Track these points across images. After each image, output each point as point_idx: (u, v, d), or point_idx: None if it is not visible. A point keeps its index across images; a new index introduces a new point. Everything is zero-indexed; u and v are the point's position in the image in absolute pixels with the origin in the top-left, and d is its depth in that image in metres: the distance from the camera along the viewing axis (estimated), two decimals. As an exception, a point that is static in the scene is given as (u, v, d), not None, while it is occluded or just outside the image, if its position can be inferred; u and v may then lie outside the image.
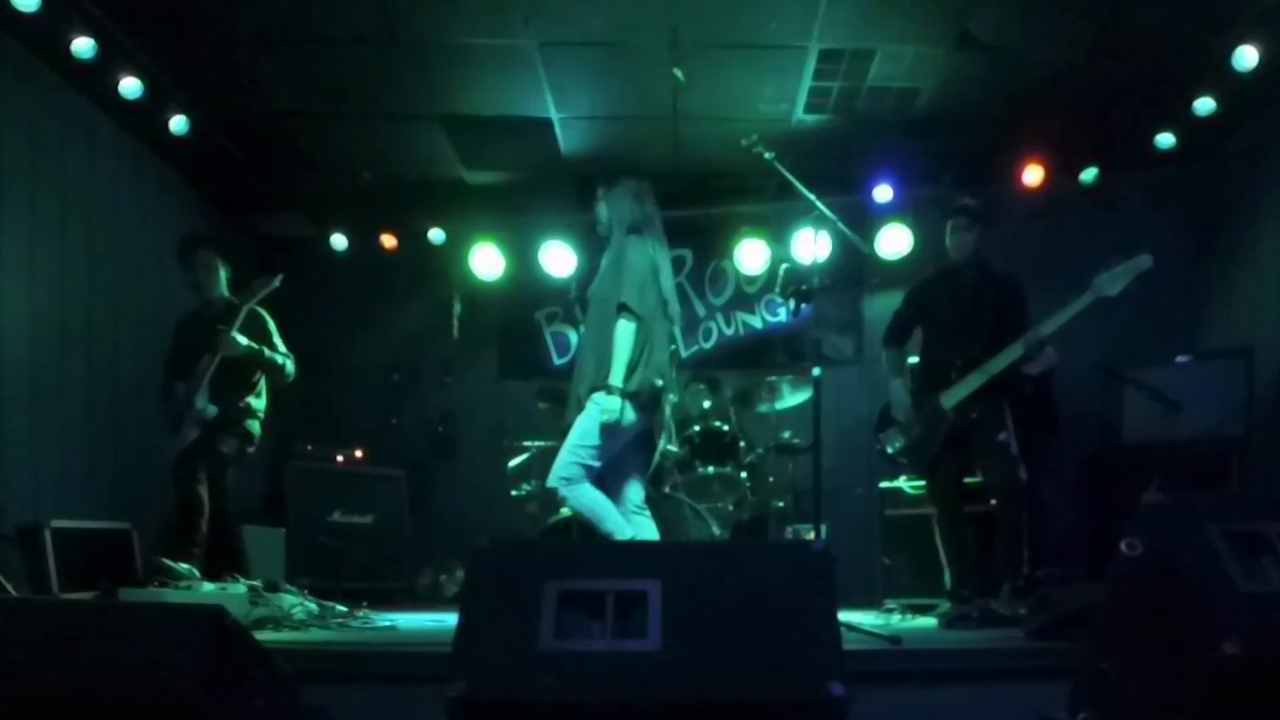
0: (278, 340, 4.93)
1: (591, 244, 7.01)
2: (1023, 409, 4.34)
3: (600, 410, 3.76)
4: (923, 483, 5.38)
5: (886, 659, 2.99)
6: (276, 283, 4.74)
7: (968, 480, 4.58)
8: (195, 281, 4.96)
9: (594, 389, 3.84)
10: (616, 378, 3.76)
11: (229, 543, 4.84)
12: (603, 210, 4.12)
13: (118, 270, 5.63)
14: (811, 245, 3.94)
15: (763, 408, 5.94)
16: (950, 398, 4.27)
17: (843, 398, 6.39)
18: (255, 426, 4.91)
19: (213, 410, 4.67)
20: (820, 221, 3.85)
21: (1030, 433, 4.43)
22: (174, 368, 4.90)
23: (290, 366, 4.93)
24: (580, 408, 3.89)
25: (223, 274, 4.97)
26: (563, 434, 5.90)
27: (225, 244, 5.19)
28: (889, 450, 4.56)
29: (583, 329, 4.14)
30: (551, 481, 3.87)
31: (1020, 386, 4.35)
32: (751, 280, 7.14)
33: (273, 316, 4.97)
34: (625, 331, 3.79)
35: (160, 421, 4.91)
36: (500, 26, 5.06)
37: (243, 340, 4.69)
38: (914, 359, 4.81)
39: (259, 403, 4.94)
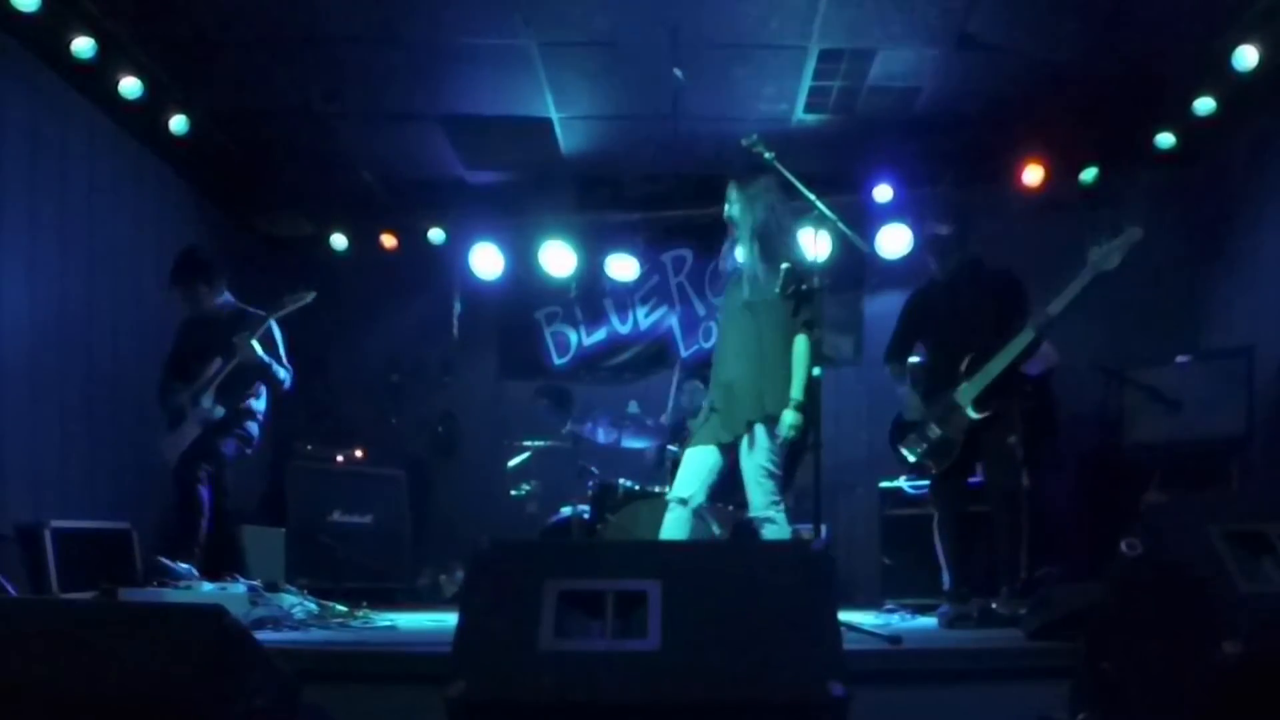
0: (282, 352, 4.94)
1: (591, 243, 7.06)
2: (1024, 409, 4.33)
3: (788, 428, 3.77)
4: (924, 483, 5.37)
5: (886, 659, 2.99)
6: (309, 299, 4.78)
7: (970, 480, 4.55)
8: (190, 302, 4.94)
9: (770, 406, 3.81)
10: (800, 393, 3.79)
11: (227, 543, 4.85)
12: (735, 209, 4.01)
13: (118, 270, 5.63)
14: (811, 245, 3.93)
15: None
16: (966, 393, 4.21)
17: (843, 398, 6.39)
18: (254, 428, 4.93)
19: (220, 411, 4.71)
20: (820, 221, 3.85)
21: (1030, 433, 4.41)
22: (175, 369, 4.90)
23: (289, 382, 4.94)
24: (743, 424, 3.85)
25: (216, 293, 4.93)
26: (563, 436, 5.95)
27: (219, 262, 5.08)
28: (911, 459, 4.48)
29: (724, 333, 4.08)
30: (765, 511, 3.82)
31: (1021, 386, 4.34)
32: (752, 280, 7.14)
33: (278, 319, 4.97)
34: (806, 347, 3.82)
35: (159, 420, 4.91)
36: (500, 26, 5.06)
37: (260, 350, 4.72)
38: (914, 358, 4.79)
39: (258, 404, 4.96)
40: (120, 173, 5.71)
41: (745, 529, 5.64)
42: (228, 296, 5.00)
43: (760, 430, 3.84)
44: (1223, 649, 1.85)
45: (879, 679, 2.68)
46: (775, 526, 3.81)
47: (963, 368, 4.24)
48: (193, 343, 4.89)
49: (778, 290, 3.81)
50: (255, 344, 4.70)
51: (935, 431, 4.34)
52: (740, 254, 4.01)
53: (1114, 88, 5.59)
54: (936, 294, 4.51)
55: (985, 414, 4.19)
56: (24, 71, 4.88)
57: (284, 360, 4.92)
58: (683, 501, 3.88)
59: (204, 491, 4.63)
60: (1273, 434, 5.07)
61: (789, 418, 3.77)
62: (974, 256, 4.44)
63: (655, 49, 5.17)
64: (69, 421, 5.19)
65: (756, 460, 3.84)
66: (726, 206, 4.04)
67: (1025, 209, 6.37)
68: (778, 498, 3.86)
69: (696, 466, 3.92)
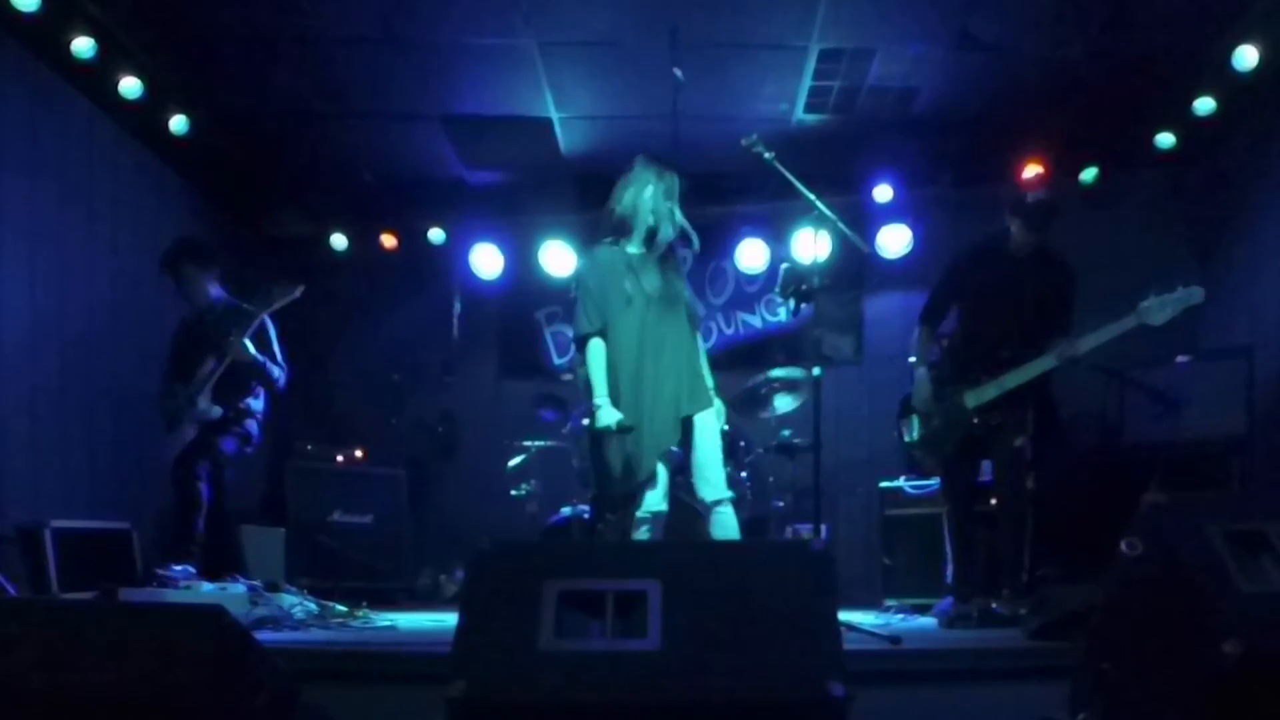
0: (276, 349, 4.93)
1: (591, 243, 7.03)
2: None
3: (720, 415, 3.84)
4: (923, 482, 5.38)
5: (886, 659, 2.99)
6: (297, 293, 4.75)
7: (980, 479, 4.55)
8: (183, 293, 4.95)
9: (711, 393, 3.85)
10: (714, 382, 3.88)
11: (226, 543, 4.85)
12: (674, 201, 3.83)
13: (118, 270, 5.63)
14: (811, 245, 3.94)
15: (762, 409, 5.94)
16: (975, 398, 4.20)
17: (843, 398, 6.39)
18: (253, 427, 4.93)
19: (217, 412, 4.71)
20: (820, 221, 3.85)
21: (1030, 433, 4.41)
22: (173, 370, 4.90)
23: (284, 380, 4.94)
24: (680, 422, 3.75)
25: (207, 282, 4.94)
26: (563, 436, 5.94)
27: (212, 249, 5.10)
28: (906, 439, 4.52)
29: (644, 329, 3.73)
30: (730, 491, 3.79)
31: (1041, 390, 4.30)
32: (751, 280, 7.15)
33: (272, 316, 4.97)
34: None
35: (159, 420, 4.91)
36: (500, 26, 5.06)
37: (252, 348, 4.71)
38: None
39: (257, 404, 4.96)
40: (120, 173, 5.70)
41: (745, 529, 5.64)
42: (221, 292, 4.99)
43: (714, 414, 3.83)
44: (1223, 649, 1.85)
45: (879, 679, 2.68)
46: (732, 508, 3.76)
47: (981, 374, 4.20)
48: (189, 341, 4.89)
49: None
50: (247, 342, 4.68)
51: (936, 422, 4.35)
52: (665, 247, 3.84)
53: (1114, 88, 5.59)
54: (992, 259, 4.36)
55: (989, 421, 4.18)
56: (24, 71, 4.88)
57: (278, 358, 4.91)
58: (657, 515, 3.75)
59: (203, 489, 4.63)
60: (1273, 434, 5.07)
61: (724, 405, 3.88)
62: (1043, 245, 4.33)
63: (655, 49, 5.17)
64: (69, 422, 5.19)
65: (715, 443, 3.78)
66: (674, 200, 3.81)
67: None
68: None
69: (665, 477, 3.76)
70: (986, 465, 4.44)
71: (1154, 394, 5.15)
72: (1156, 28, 5.01)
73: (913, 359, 4.55)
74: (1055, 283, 4.24)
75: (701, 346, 3.94)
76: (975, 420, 4.19)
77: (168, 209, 6.18)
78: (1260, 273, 5.66)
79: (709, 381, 3.89)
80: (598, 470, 3.82)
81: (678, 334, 3.79)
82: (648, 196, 3.78)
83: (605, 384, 3.70)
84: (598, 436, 3.75)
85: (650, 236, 3.80)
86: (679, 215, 3.82)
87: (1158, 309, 3.92)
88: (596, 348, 3.74)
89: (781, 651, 1.92)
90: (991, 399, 4.17)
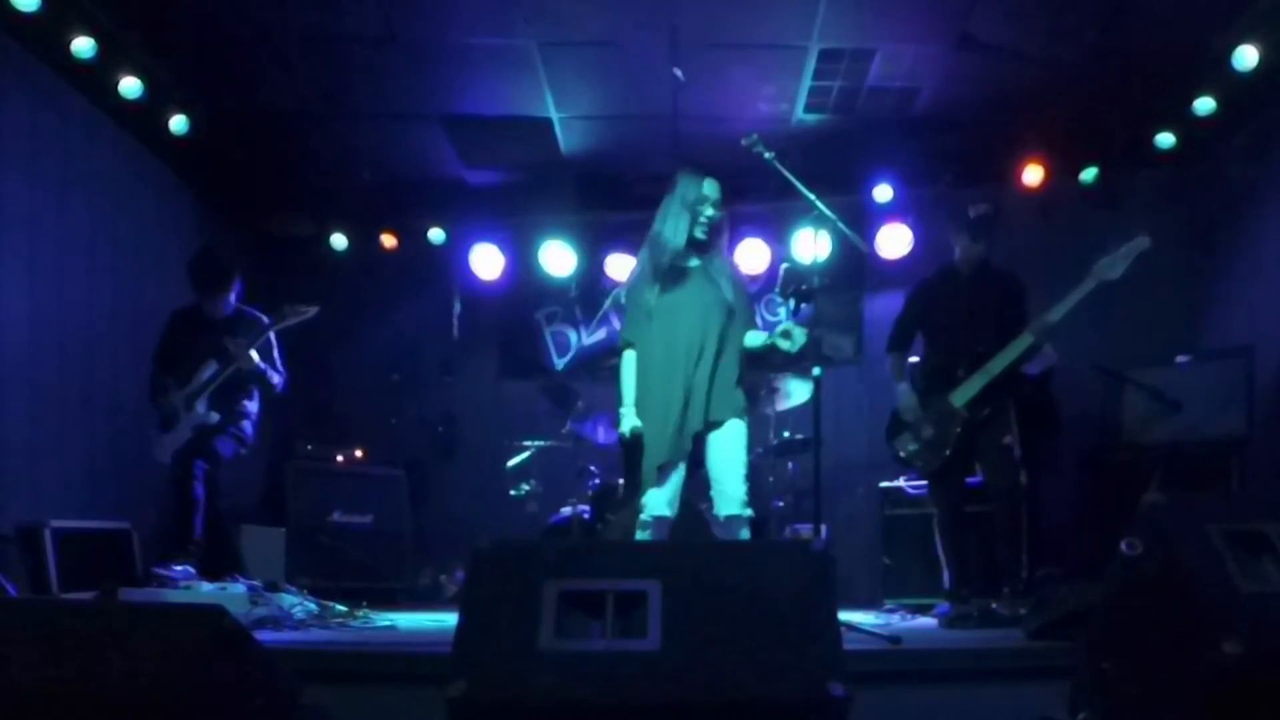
0: (276, 356, 4.95)
1: (591, 243, 7.06)
2: (1024, 409, 4.34)
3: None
4: (924, 483, 5.38)
5: (886, 659, 2.99)
6: (311, 313, 4.76)
7: (968, 480, 4.57)
8: (205, 298, 4.92)
9: (743, 401, 3.83)
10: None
11: (224, 543, 4.86)
12: (719, 208, 3.86)
13: (118, 270, 5.63)
14: (811, 245, 3.94)
15: (763, 407, 5.94)
16: (961, 395, 4.25)
17: (843, 398, 6.39)
18: (248, 428, 4.94)
19: (215, 418, 4.72)
20: (820, 221, 3.85)
21: (1030, 433, 4.42)
22: (167, 363, 4.90)
23: (282, 385, 4.96)
24: (704, 424, 3.74)
25: (229, 296, 4.94)
26: (563, 436, 5.95)
27: (234, 266, 5.05)
28: (902, 455, 4.51)
29: (682, 331, 3.76)
30: (748, 510, 3.70)
31: (1021, 387, 4.35)
32: (751, 280, 7.14)
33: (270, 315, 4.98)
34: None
35: (153, 416, 4.91)
36: (500, 26, 5.07)
37: (257, 358, 4.73)
38: (913, 359, 4.80)
39: (252, 405, 4.97)
40: (120, 173, 5.70)
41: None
42: (236, 301, 5.00)
43: (741, 424, 3.76)
44: (1223, 649, 1.85)
45: (879, 679, 2.68)
46: (746, 526, 3.72)
47: (960, 372, 4.26)
48: (187, 339, 4.88)
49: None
50: (253, 352, 4.70)
51: (928, 431, 4.37)
52: (718, 254, 3.89)
53: (1114, 88, 5.60)
54: (943, 283, 4.53)
55: (979, 415, 4.21)
56: (24, 71, 4.88)
57: (278, 364, 4.92)
58: (660, 520, 3.72)
59: (199, 489, 4.63)
60: (1273, 434, 5.07)
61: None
62: (984, 257, 4.46)
63: (655, 49, 5.17)
64: (69, 422, 5.19)
65: (735, 455, 3.72)
66: (716, 205, 3.83)
67: (1025, 209, 6.36)
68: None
69: (674, 483, 3.75)
70: (977, 466, 4.46)
71: (1154, 394, 5.14)
72: (1156, 27, 5.01)
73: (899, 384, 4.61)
74: (1007, 291, 4.40)
75: (741, 352, 3.85)
76: (966, 414, 4.23)
77: (168, 209, 6.18)
78: (1260, 273, 5.66)
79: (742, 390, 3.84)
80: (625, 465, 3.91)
81: (727, 340, 3.78)
82: (670, 214, 3.82)
83: (632, 393, 3.83)
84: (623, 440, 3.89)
85: (668, 248, 3.79)
86: (706, 215, 3.79)
87: (1111, 265, 4.07)
88: (628, 358, 3.88)
89: (781, 651, 1.92)
90: (978, 391, 4.22)
